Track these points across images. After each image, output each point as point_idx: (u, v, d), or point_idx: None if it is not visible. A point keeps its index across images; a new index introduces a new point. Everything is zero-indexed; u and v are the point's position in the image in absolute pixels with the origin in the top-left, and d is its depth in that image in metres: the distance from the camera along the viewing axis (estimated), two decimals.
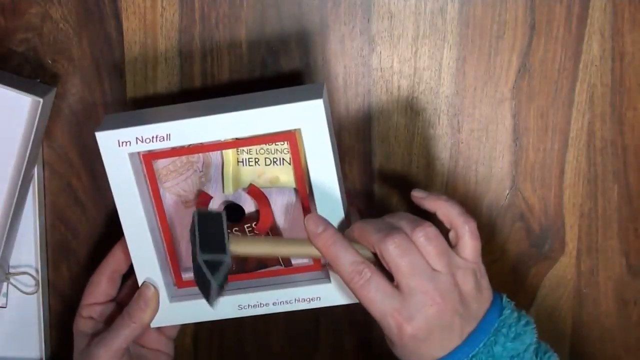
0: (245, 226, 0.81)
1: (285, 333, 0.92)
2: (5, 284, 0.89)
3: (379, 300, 0.70)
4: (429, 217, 0.74)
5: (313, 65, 0.84)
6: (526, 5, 0.82)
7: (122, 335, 0.78)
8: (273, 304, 0.79)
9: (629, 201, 0.87)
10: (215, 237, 0.73)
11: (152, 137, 0.75)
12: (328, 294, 0.79)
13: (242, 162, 0.79)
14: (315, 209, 0.76)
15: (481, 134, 0.86)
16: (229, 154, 0.79)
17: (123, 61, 0.85)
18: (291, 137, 0.76)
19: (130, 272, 0.83)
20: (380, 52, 0.84)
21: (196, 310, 0.80)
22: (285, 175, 0.79)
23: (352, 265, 0.71)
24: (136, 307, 0.79)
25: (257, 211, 0.80)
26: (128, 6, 0.83)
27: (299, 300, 0.79)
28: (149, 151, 0.77)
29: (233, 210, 0.80)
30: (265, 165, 0.79)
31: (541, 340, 0.75)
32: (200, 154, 0.79)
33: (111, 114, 0.81)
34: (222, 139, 0.76)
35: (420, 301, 0.70)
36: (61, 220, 0.89)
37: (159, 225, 0.80)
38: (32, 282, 0.89)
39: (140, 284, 0.80)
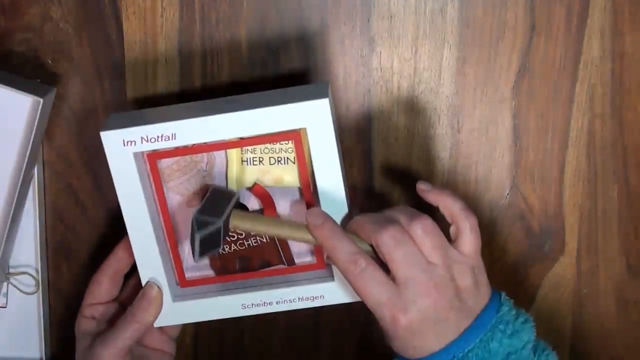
0: None
1: (285, 333, 0.92)
2: (5, 284, 0.89)
3: (374, 290, 0.70)
4: (432, 211, 0.74)
5: (313, 65, 0.84)
6: (526, 5, 0.82)
7: (126, 335, 0.78)
8: (276, 302, 0.79)
9: (629, 201, 0.87)
10: (218, 206, 0.75)
11: (158, 137, 0.75)
12: (331, 293, 0.79)
13: (247, 161, 0.79)
14: (320, 208, 0.77)
15: (481, 134, 0.86)
16: (233, 153, 0.79)
17: (123, 61, 0.85)
18: (296, 137, 0.76)
19: (131, 272, 0.83)
20: (380, 52, 0.84)
21: (199, 309, 0.80)
22: (290, 174, 0.79)
23: (348, 255, 0.71)
24: (139, 306, 0.79)
25: (261, 210, 0.80)
26: (128, 6, 0.83)
27: (302, 299, 0.79)
28: (154, 151, 0.77)
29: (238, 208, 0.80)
30: (270, 164, 0.79)
31: (541, 339, 0.75)
32: (204, 154, 0.79)
33: (114, 114, 0.81)
34: (228, 139, 0.76)
35: (415, 292, 0.70)
36: (61, 220, 0.89)
37: (163, 224, 0.80)
38: (32, 282, 0.89)
39: (143, 283, 0.80)
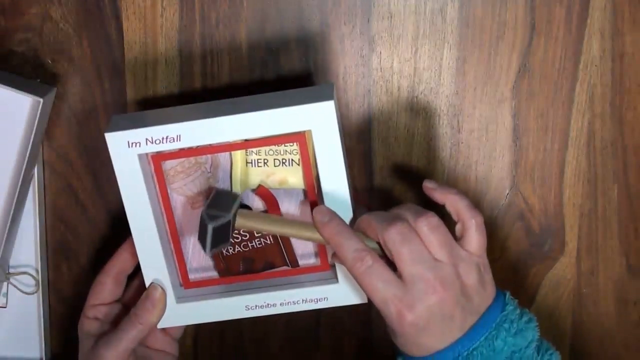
0: None
1: (285, 333, 0.92)
2: (5, 284, 0.89)
3: (380, 287, 0.70)
4: (437, 209, 0.74)
5: (313, 65, 0.84)
6: (526, 5, 0.82)
7: (129, 336, 0.78)
8: (280, 304, 0.79)
9: (629, 201, 0.87)
10: (224, 203, 0.75)
11: (162, 138, 0.75)
12: (335, 295, 0.79)
13: (251, 163, 0.79)
14: (326, 206, 0.77)
15: (481, 134, 0.86)
16: (238, 155, 0.79)
17: (123, 61, 0.85)
18: (301, 138, 0.76)
19: (135, 273, 0.83)
20: (380, 52, 0.84)
21: (203, 311, 0.80)
22: (294, 176, 0.79)
23: (354, 252, 0.71)
24: (143, 308, 0.79)
25: (266, 211, 0.80)
26: (128, 6, 0.83)
27: (306, 301, 0.79)
28: (158, 152, 0.77)
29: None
30: (274, 166, 0.79)
31: (544, 339, 0.75)
32: (209, 155, 0.79)
33: (118, 115, 0.81)
34: (232, 140, 0.76)
35: (421, 289, 0.70)
36: (61, 220, 0.89)
37: (167, 226, 0.80)
38: (32, 282, 0.89)
39: (147, 284, 0.80)
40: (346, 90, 0.85)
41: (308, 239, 0.76)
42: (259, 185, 0.80)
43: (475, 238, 0.73)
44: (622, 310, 0.90)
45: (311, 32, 0.84)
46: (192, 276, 0.82)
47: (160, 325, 0.80)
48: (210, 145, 0.77)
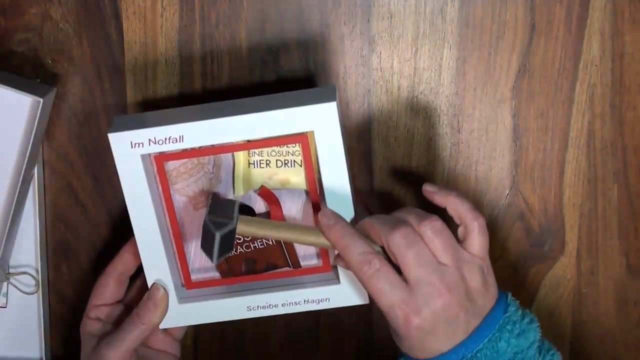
0: None
1: (285, 333, 0.92)
2: (5, 284, 0.89)
3: (387, 290, 0.70)
4: (439, 212, 0.74)
5: (313, 65, 0.84)
6: (526, 5, 0.82)
7: (132, 337, 0.78)
8: (282, 305, 0.80)
9: (629, 201, 0.87)
10: (224, 209, 0.75)
11: (165, 139, 0.75)
12: (337, 296, 0.79)
13: (253, 164, 0.79)
14: (331, 209, 0.77)
15: (481, 134, 0.86)
16: (240, 155, 0.79)
17: (123, 61, 0.85)
18: (303, 139, 0.76)
19: (137, 274, 0.83)
20: (380, 52, 0.84)
21: (205, 311, 0.80)
22: (296, 176, 0.79)
23: (361, 255, 0.71)
24: (145, 308, 0.79)
25: (268, 212, 0.80)
26: (128, 6, 0.83)
27: (308, 302, 0.79)
28: (161, 153, 0.77)
29: (244, 211, 0.80)
30: (277, 167, 0.79)
31: (545, 339, 0.75)
32: (212, 156, 0.79)
33: (120, 116, 0.81)
34: (235, 141, 0.76)
35: (427, 293, 0.70)
36: (61, 220, 0.89)
37: (169, 226, 0.80)
38: (32, 282, 0.89)
39: (149, 285, 0.80)
40: (346, 90, 0.85)
41: (308, 244, 0.76)
42: (262, 186, 0.80)
43: (478, 240, 0.73)
44: (622, 310, 0.90)
45: (311, 32, 0.84)
46: (194, 277, 0.82)
47: (162, 326, 0.80)
48: (212, 146, 0.77)
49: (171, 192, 0.79)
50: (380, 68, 0.84)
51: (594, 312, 0.90)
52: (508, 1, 0.82)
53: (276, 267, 0.82)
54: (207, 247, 0.75)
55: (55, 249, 0.90)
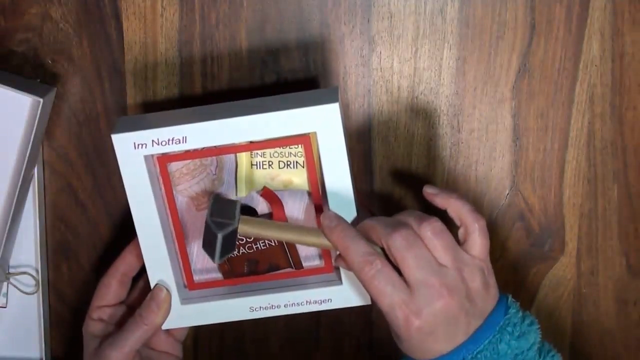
0: None
1: (286, 334, 0.92)
2: (5, 284, 0.89)
3: (388, 291, 0.70)
4: (439, 214, 0.74)
5: (313, 65, 0.84)
6: (526, 5, 0.82)
7: (134, 337, 0.78)
8: (284, 305, 0.80)
9: (629, 201, 0.87)
10: (226, 210, 0.75)
11: (168, 140, 0.75)
12: (339, 296, 0.79)
13: (256, 165, 0.79)
14: (333, 211, 0.77)
15: (481, 134, 0.86)
16: (243, 157, 0.79)
17: (123, 61, 0.85)
18: (306, 141, 0.77)
19: (139, 275, 0.83)
20: (380, 52, 0.84)
21: (207, 312, 0.80)
22: (299, 178, 0.79)
23: (363, 256, 0.71)
24: (148, 309, 0.79)
25: (270, 213, 0.80)
26: (128, 6, 0.83)
27: (310, 302, 0.79)
28: (164, 154, 0.77)
29: (246, 212, 0.80)
30: (279, 168, 0.79)
31: (545, 340, 0.75)
32: (214, 157, 0.79)
33: (123, 117, 0.81)
34: (238, 142, 0.76)
35: (427, 294, 0.70)
36: (61, 220, 0.89)
37: (172, 227, 0.80)
38: (32, 282, 0.89)
39: (152, 286, 0.80)
40: (346, 90, 0.85)
41: (311, 245, 0.77)
42: (264, 187, 0.80)
43: (478, 242, 0.73)
44: (622, 310, 0.90)
45: (311, 32, 0.84)
46: (196, 277, 0.82)
47: (164, 327, 0.80)
48: (215, 147, 0.77)
49: (174, 193, 0.79)
50: (380, 68, 0.84)
51: (594, 312, 0.90)
52: (508, 1, 0.82)
53: (278, 268, 0.82)
54: (208, 247, 0.75)
55: (55, 249, 0.90)
